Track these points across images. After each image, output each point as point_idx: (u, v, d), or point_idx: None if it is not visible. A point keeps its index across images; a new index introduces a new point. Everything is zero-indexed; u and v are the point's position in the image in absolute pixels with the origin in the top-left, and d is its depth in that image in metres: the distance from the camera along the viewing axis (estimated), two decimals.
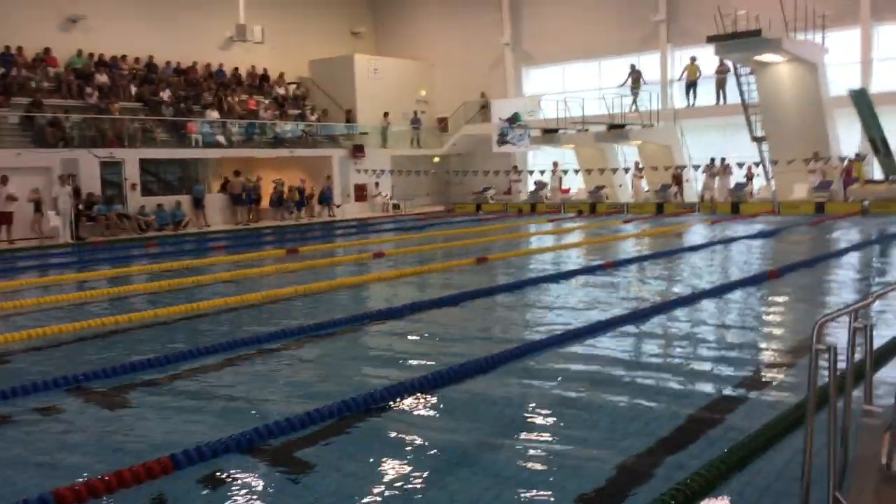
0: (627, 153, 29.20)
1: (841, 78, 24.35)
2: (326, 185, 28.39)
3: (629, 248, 16.07)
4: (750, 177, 25.64)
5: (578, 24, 31.24)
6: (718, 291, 10.14)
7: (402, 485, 4.30)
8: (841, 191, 23.64)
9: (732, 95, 25.80)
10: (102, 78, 25.84)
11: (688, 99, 27.94)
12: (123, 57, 27.67)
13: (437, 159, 33.82)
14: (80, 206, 21.44)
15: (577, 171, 29.11)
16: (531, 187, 30.49)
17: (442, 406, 5.68)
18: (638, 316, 8.60)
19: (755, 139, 24.82)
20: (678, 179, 26.92)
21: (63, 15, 26.63)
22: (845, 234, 17.20)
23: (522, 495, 4.12)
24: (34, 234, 20.57)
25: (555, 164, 29.54)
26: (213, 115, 27.22)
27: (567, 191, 29.82)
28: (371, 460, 4.65)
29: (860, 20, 25.26)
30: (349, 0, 36.08)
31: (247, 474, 4.52)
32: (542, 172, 29.37)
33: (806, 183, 24.17)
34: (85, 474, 4.41)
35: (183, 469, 4.50)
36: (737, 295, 9.96)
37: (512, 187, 31.31)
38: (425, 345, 7.97)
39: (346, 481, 4.39)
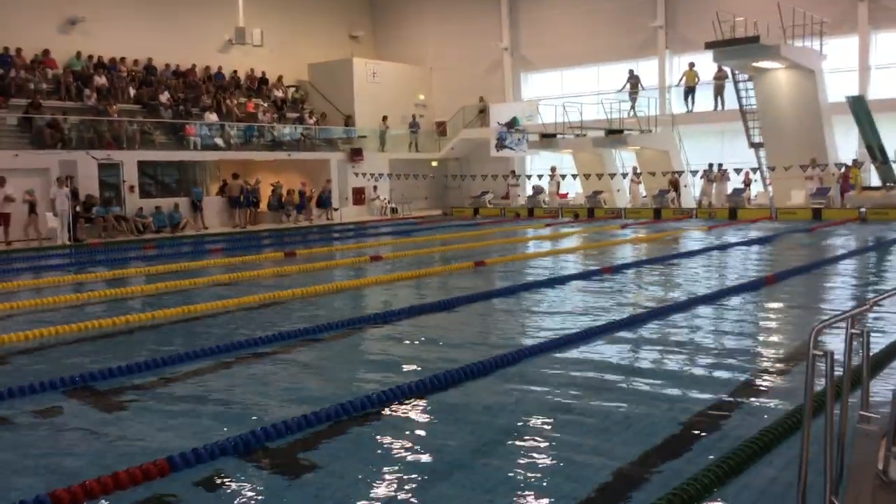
0: (625, 158, 29.27)
1: (839, 85, 24.45)
2: (327, 188, 28.40)
3: (626, 254, 16.09)
4: (747, 183, 25.70)
5: (577, 29, 31.32)
6: (715, 297, 10.15)
7: (395, 490, 4.30)
8: (838, 197, 23.69)
9: (730, 101, 25.89)
10: (101, 80, 25.85)
11: (686, 105, 28.01)
12: (122, 59, 27.68)
13: (435, 163, 33.87)
14: (78, 208, 21.41)
15: (575, 176, 29.17)
16: (529, 192, 30.53)
17: (437, 411, 5.68)
18: (634, 321, 8.60)
19: (753, 145, 24.90)
20: (675, 185, 26.97)
21: (62, 17, 26.65)
22: (842, 241, 17.23)
23: (517, 501, 4.12)
24: (27, 235, 20.45)
25: (552, 169, 29.57)
26: (212, 117, 27.23)
27: (565, 195, 29.86)
28: (364, 465, 4.65)
29: (858, 27, 25.37)
30: (348, 4, 36.15)
31: (243, 477, 4.52)
32: (539, 177, 29.41)
33: (803, 189, 24.22)
34: (80, 477, 4.39)
35: (180, 471, 4.49)
36: (734, 301, 9.97)
37: (510, 192, 31.34)
38: (421, 349, 7.96)
39: (340, 485, 4.39)
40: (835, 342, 5.19)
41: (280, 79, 32.36)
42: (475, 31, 33.78)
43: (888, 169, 22.91)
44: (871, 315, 7.93)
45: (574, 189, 30.16)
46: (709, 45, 22.62)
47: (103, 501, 4.17)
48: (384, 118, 31.89)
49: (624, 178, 28.33)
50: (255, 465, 4.69)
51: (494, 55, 33.61)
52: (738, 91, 24.64)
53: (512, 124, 29.48)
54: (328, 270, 14.43)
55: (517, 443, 4.96)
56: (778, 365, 6.86)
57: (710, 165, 26.40)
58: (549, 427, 5.25)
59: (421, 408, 5.72)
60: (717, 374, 6.57)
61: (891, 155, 22.71)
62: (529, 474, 4.45)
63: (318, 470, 4.62)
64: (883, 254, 15.06)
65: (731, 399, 5.78)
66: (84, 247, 20.12)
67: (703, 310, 9.42)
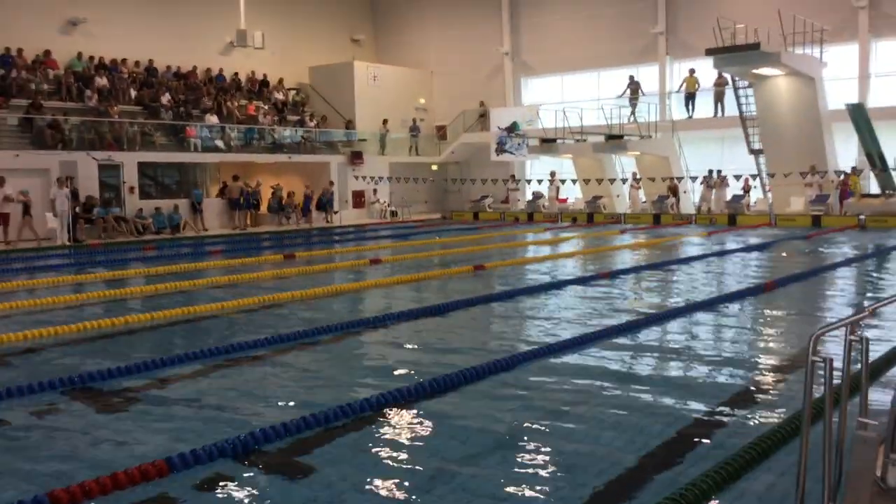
0: (625, 164, 29.28)
1: (838, 92, 24.49)
2: (329, 190, 28.42)
3: (625, 259, 16.09)
4: (747, 189, 25.71)
5: (578, 34, 31.38)
6: (714, 303, 10.15)
7: (392, 493, 4.30)
8: (837, 204, 23.72)
9: (731, 108, 25.95)
10: (102, 81, 25.86)
11: (686, 111, 28.05)
12: (123, 60, 27.70)
13: (435, 167, 33.89)
14: (78, 209, 21.41)
15: (574, 181, 29.20)
16: (529, 196, 30.53)
17: (434, 416, 5.65)
18: (632, 327, 8.59)
19: (753, 152, 24.94)
20: (674, 191, 27.00)
21: (64, 18, 26.67)
22: (841, 248, 17.24)
23: None
24: (21, 236, 20.33)
25: (552, 174, 29.60)
26: (213, 119, 27.25)
27: (564, 200, 29.89)
28: (361, 469, 4.65)
29: (858, 35, 25.42)
30: (350, 7, 36.20)
31: (240, 479, 4.53)
32: (539, 182, 29.43)
33: (802, 196, 24.25)
34: (77, 479, 4.39)
35: (178, 473, 4.50)
36: (732, 307, 9.98)
37: (510, 196, 31.36)
38: (419, 353, 7.96)
39: (336, 489, 4.39)
40: (834, 349, 5.20)
41: (281, 81, 32.40)
42: (476, 36, 33.83)
43: (887, 176, 22.94)
44: (869, 322, 7.94)
45: (574, 194, 30.19)
46: (709, 52, 22.66)
47: (101, 502, 4.18)
48: (384, 122, 31.92)
49: (624, 183, 28.36)
50: (252, 468, 4.69)
51: (495, 60, 33.66)
52: (738, 98, 24.68)
53: (512, 129, 29.51)
54: (327, 273, 14.43)
55: (512, 449, 4.95)
56: (776, 371, 6.86)
57: (710, 172, 26.43)
58: (546, 433, 5.24)
59: (417, 412, 5.71)
60: (716, 379, 6.58)
61: (890, 163, 22.75)
62: (525, 481, 4.44)
63: (313, 474, 4.61)
64: (882, 261, 15.08)
65: (729, 405, 5.77)
66: (83, 247, 20.11)
67: (702, 316, 9.43)
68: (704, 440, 5.03)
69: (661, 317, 9.22)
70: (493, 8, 33.36)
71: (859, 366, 3.84)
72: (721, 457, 4.53)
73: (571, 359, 7.26)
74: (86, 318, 9.66)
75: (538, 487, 4.34)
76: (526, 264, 15.55)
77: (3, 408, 5.96)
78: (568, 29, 31.73)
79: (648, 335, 8.34)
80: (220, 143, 26.94)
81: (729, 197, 25.97)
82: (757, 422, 5.36)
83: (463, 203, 32.80)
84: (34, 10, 25.76)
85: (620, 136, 26.97)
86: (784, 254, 16.48)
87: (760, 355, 7.64)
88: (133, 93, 26.65)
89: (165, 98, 26.75)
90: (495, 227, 26.12)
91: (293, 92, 32.91)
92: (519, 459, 4.74)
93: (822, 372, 3.33)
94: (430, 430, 5.41)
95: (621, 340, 8.03)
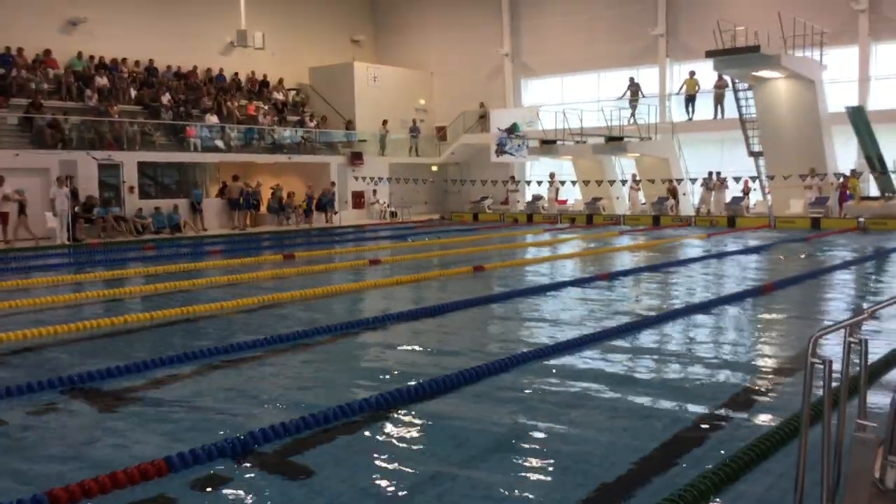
0: (625, 165, 29.30)
1: (838, 95, 24.52)
2: (331, 191, 28.42)
3: (624, 261, 16.10)
4: (746, 191, 25.74)
5: (578, 36, 31.39)
6: (713, 305, 10.15)
7: (389, 494, 4.31)
8: (837, 207, 23.74)
9: (730, 110, 25.95)
10: (102, 80, 25.86)
11: (686, 113, 28.08)
12: (124, 60, 27.71)
13: (435, 168, 33.90)
14: (77, 209, 21.40)
15: (574, 183, 29.18)
16: (528, 198, 30.52)
17: (431, 417, 5.65)
18: (631, 329, 8.59)
19: (752, 154, 24.95)
20: (674, 192, 27.02)
21: (64, 17, 26.67)
22: (841, 250, 17.25)
23: None
24: (17, 236, 20.28)
25: (551, 175, 29.62)
26: (213, 119, 27.25)
27: (564, 202, 29.90)
28: (358, 469, 4.65)
29: (858, 38, 25.46)
30: (350, 8, 36.22)
31: (238, 479, 4.53)
32: (539, 183, 29.43)
33: (802, 198, 24.27)
34: (75, 478, 4.38)
35: (177, 472, 4.50)
36: (731, 309, 9.97)
37: (509, 197, 31.38)
38: (417, 354, 7.96)
39: (333, 490, 4.39)
40: (833, 351, 5.20)
41: (281, 82, 32.41)
42: (476, 38, 33.84)
43: (887, 179, 22.96)
44: (868, 324, 7.94)
45: (573, 195, 30.20)
46: (709, 54, 22.68)
47: (100, 501, 4.18)
48: (384, 122, 31.93)
49: (623, 185, 28.35)
50: (250, 468, 4.69)
51: (495, 61, 33.68)
52: (738, 100, 24.69)
53: (512, 130, 29.53)
54: (326, 273, 14.43)
55: (511, 450, 4.95)
56: (776, 373, 6.86)
57: (710, 174, 26.45)
58: (544, 435, 5.23)
59: (416, 413, 5.70)
60: (715, 381, 6.58)
61: (890, 165, 22.77)
62: (523, 482, 4.44)
63: (312, 474, 4.61)
64: (881, 263, 15.09)
65: (728, 406, 5.77)
66: (83, 247, 20.11)
67: (701, 318, 9.42)
68: (703, 442, 5.03)
69: (659, 318, 9.22)
70: (494, 9, 33.38)
71: (858, 368, 3.84)
72: (720, 458, 4.53)
73: (570, 360, 7.25)
74: (85, 317, 9.66)
75: (536, 489, 4.34)
76: (525, 265, 15.56)
77: (2, 407, 5.95)
78: (568, 30, 31.75)
79: (647, 337, 8.33)
80: (219, 144, 26.95)
81: (728, 199, 26.00)
82: (756, 423, 5.36)
83: (462, 204, 32.81)
84: (34, 10, 25.76)
85: (620, 138, 26.99)
86: (783, 256, 16.48)
87: (759, 357, 7.64)
88: (133, 92, 26.66)
89: (165, 98, 26.75)
90: (495, 228, 26.12)
91: (293, 92, 32.92)
92: (517, 461, 4.74)
93: (821, 374, 3.34)
94: (428, 431, 5.41)
95: (620, 342, 8.02)
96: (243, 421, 5.50)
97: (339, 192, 29.22)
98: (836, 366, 3.37)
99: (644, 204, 28.07)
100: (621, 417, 5.56)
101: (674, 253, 17.41)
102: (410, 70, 34.87)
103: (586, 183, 28.11)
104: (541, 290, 11.65)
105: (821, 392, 3.56)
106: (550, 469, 4.60)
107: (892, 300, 5.12)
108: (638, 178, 27.95)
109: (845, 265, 14.52)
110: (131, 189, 23.65)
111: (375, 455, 4.87)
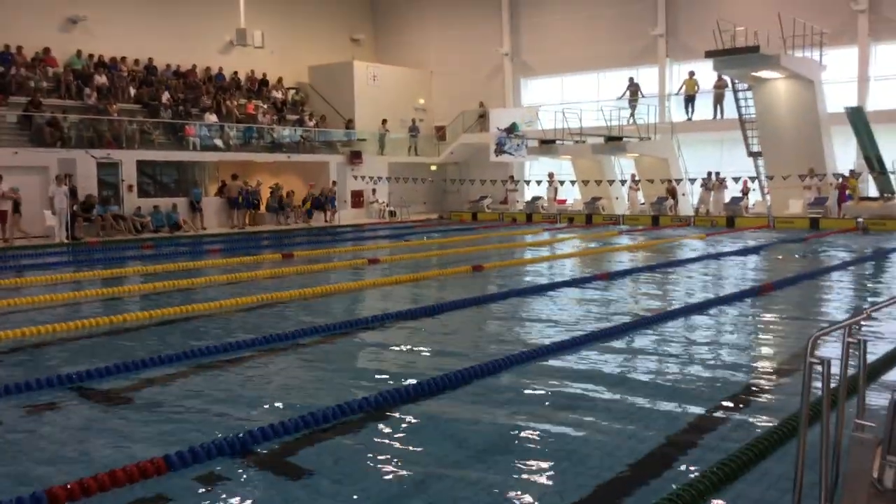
0: (624, 165, 29.31)
1: (838, 95, 24.53)
2: (331, 190, 28.40)
3: (623, 261, 16.10)
4: (745, 191, 25.75)
5: (578, 36, 31.40)
6: (711, 305, 10.16)
7: (388, 495, 4.31)
8: (836, 207, 23.75)
9: (730, 110, 25.96)
10: (101, 79, 25.85)
11: (686, 113, 28.09)
12: (123, 58, 27.69)
13: (434, 167, 33.90)
14: (76, 207, 21.39)
15: (573, 183, 29.17)
16: (528, 197, 30.52)
17: (429, 417, 5.64)
18: (629, 329, 8.59)
19: (751, 154, 24.95)
20: (673, 192, 27.03)
21: (63, 15, 26.65)
22: (840, 250, 17.26)
23: None
24: (12, 234, 20.18)
25: (551, 175, 29.63)
26: (212, 118, 27.24)
27: (563, 201, 29.90)
28: (355, 469, 4.66)
29: (858, 39, 25.48)
30: (350, 7, 36.20)
31: (237, 478, 4.53)
32: (538, 183, 29.43)
33: (801, 199, 24.28)
34: (73, 477, 4.38)
35: (176, 470, 4.50)
36: (730, 309, 9.98)
37: (508, 197, 31.39)
38: (415, 354, 7.95)
39: (329, 488, 4.40)
40: (832, 351, 5.21)
41: (280, 81, 32.39)
42: (476, 37, 33.84)
43: (886, 180, 22.97)
44: (867, 324, 7.95)
45: (573, 195, 30.21)
46: (709, 54, 22.69)
47: (100, 499, 4.17)
48: (384, 121, 31.92)
49: (623, 185, 28.35)
50: (249, 467, 4.69)
51: (495, 60, 33.68)
52: (737, 100, 24.70)
53: (511, 130, 29.53)
54: (325, 273, 14.43)
55: (508, 450, 4.95)
56: (774, 373, 6.87)
57: (709, 174, 26.46)
58: (542, 435, 5.23)
59: (414, 413, 5.70)
60: (713, 381, 6.58)
61: (889, 166, 22.79)
62: (520, 482, 4.44)
63: (310, 473, 4.61)
64: (880, 264, 15.09)
65: (727, 406, 5.78)
66: (82, 245, 20.10)
67: (699, 318, 9.43)
68: (701, 442, 5.03)
69: (658, 319, 9.21)
70: (493, 8, 33.38)
71: (857, 368, 3.84)
72: (718, 458, 4.53)
73: (569, 360, 7.25)
74: (84, 316, 9.64)
75: (534, 489, 4.34)
76: (524, 265, 15.56)
77: (1, 406, 5.95)
78: (568, 30, 31.75)
79: (646, 337, 8.33)
80: (219, 142, 26.93)
81: (727, 199, 26.01)
82: (754, 423, 5.36)
83: (462, 203, 32.81)
84: (34, 8, 25.73)
85: (620, 138, 26.99)
86: (781, 256, 16.49)
87: (758, 357, 7.65)
88: (132, 91, 26.64)
89: (165, 96, 26.73)
90: (494, 227, 26.12)
91: (292, 91, 32.91)
92: (515, 461, 4.74)
93: (819, 374, 3.34)
94: (427, 430, 5.40)
95: (618, 342, 8.02)
96: (242, 420, 5.50)
97: (338, 192, 29.21)
98: (835, 366, 3.37)
99: (643, 204, 28.07)
100: (619, 418, 5.56)
101: (673, 253, 17.41)
102: (410, 69, 34.86)
103: (585, 183, 28.11)
104: (539, 289, 11.64)
105: (819, 392, 3.56)
106: (549, 469, 4.60)
107: (890, 300, 5.13)
108: (637, 178, 27.96)
109: (844, 265, 14.53)
110: (130, 188, 23.63)
111: (374, 454, 4.87)
